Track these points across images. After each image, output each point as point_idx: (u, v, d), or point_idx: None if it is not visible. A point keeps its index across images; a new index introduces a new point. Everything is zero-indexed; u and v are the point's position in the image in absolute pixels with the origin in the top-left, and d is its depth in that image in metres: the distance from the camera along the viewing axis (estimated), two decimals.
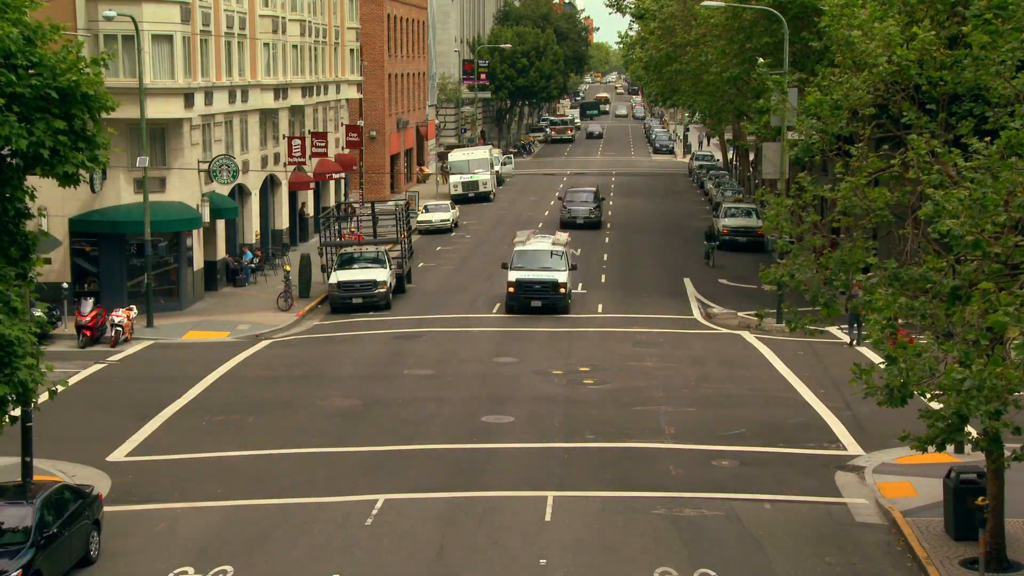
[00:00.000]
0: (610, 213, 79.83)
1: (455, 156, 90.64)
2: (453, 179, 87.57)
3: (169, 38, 46.87)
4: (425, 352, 41.86)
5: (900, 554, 23.79)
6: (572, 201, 74.14)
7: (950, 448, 27.69)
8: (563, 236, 52.57)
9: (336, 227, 56.00)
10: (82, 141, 22.25)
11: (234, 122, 55.66)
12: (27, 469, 26.14)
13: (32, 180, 23.21)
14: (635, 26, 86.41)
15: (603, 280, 56.34)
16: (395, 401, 35.35)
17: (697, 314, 49.20)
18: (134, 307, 44.87)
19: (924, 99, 26.02)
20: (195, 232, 50.09)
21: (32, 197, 23.07)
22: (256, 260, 56.50)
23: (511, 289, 47.63)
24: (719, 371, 39.00)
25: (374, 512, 25.91)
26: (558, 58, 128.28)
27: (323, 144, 64.36)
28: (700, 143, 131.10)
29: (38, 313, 24.97)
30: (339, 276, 49.95)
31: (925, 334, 21.67)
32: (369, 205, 60.82)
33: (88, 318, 42.47)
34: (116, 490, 27.52)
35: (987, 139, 22.50)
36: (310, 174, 65.74)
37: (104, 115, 22.74)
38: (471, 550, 23.95)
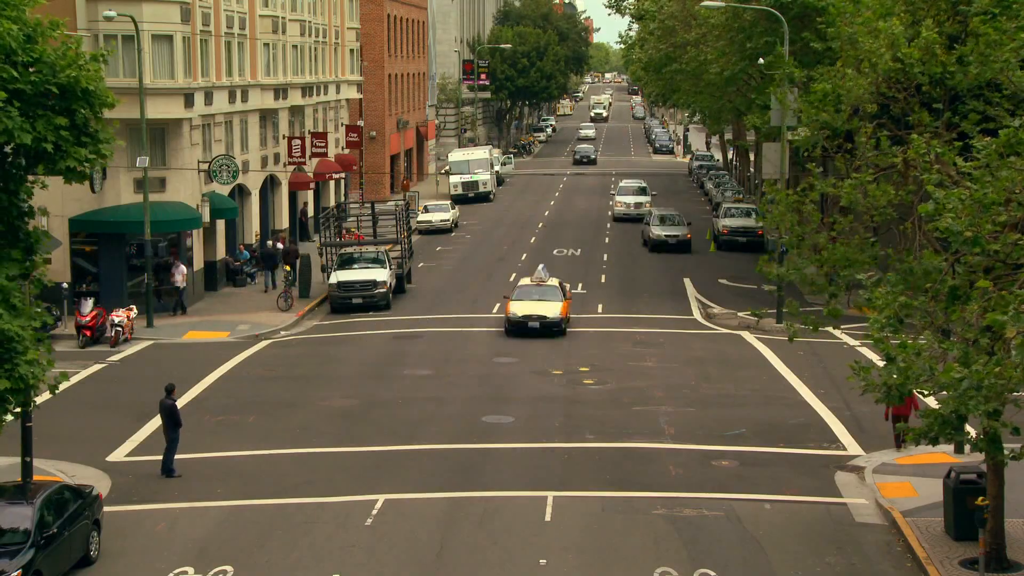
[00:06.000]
0: (610, 213, 79.75)
1: (455, 156, 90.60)
2: (453, 179, 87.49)
3: (169, 38, 46.83)
4: (425, 352, 41.82)
5: (900, 554, 23.77)
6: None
7: (950, 448, 27.75)
8: None
9: (336, 227, 55.95)
10: (85, 136, 22.26)
11: (234, 122, 55.62)
12: (27, 469, 26.13)
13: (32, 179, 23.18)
14: (635, 26, 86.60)
15: (603, 280, 56.30)
16: (395, 401, 35.33)
17: (697, 314, 49.15)
18: (134, 307, 44.85)
19: (926, 98, 26.01)
20: (195, 232, 50.09)
21: (30, 194, 23.01)
22: (251, 259, 56.30)
23: None
24: (719, 371, 38.96)
25: (374, 512, 25.90)
26: (558, 58, 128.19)
27: (323, 144, 64.33)
28: (707, 144, 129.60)
29: (38, 311, 24.94)
30: (339, 276, 49.93)
31: (924, 333, 21.61)
32: (368, 205, 60.78)
33: (88, 318, 42.43)
34: (116, 490, 27.52)
35: (989, 138, 22.47)
36: (310, 174, 65.70)
37: (104, 113, 22.72)
38: (471, 550, 23.92)
